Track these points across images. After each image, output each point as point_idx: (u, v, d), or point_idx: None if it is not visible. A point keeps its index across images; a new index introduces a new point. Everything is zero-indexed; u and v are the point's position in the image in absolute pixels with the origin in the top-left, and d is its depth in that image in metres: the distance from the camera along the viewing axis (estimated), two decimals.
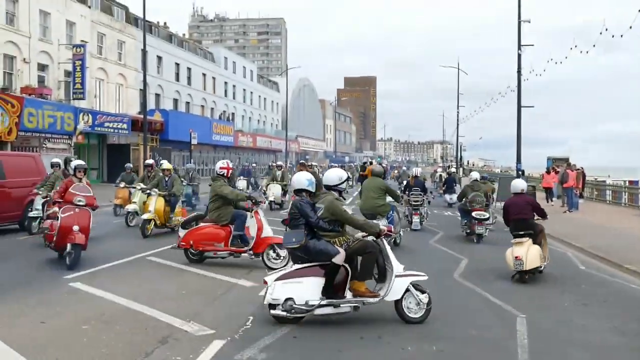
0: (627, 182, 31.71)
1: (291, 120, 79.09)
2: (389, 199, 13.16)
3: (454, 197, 23.64)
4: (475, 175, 17.18)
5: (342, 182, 7.70)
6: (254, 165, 37.69)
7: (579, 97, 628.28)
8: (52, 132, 30.87)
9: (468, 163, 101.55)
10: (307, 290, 6.91)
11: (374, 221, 7.87)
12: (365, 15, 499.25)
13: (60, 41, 34.74)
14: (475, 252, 13.35)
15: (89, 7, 38.27)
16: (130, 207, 16.51)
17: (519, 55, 26.54)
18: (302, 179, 7.46)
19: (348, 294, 7.06)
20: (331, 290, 6.95)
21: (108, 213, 18.88)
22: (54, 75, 34.60)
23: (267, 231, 10.86)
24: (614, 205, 29.48)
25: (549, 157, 50.11)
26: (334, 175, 7.79)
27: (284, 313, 6.88)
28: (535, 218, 10.62)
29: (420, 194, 17.32)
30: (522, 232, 10.28)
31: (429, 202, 18.25)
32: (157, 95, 48.32)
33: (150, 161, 18.30)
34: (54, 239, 10.39)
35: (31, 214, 14.22)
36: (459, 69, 59.22)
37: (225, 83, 64.43)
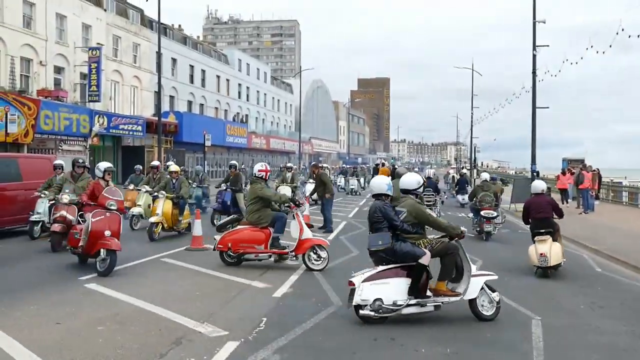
0: None
1: (304, 121, 79.22)
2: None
3: (466, 197, 24.25)
4: (485, 176, 18.18)
5: (420, 187, 7.97)
6: None
7: (595, 98, 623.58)
8: (68, 134, 31.12)
9: (482, 164, 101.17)
10: (394, 290, 7.13)
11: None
12: (380, 16, 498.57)
13: (76, 44, 35.04)
14: (489, 254, 13.27)
15: (105, 10, 38.56)
16: (134, 210, 16.13)
17: (534, 56, 26.38)
18: (382, 184, 7.74)
19: (428, 294, 7.31)
20: (417, 290, 7.16)
21: None
22: (69, 77, 34.90)
23: (307, 233, 10.94)
24: (630, 207, 29.20)
25: (564, 158, 49.88)
26: (413, 179, 8.03)
27: (372, 313, 7.05)
28: (553, 217, 11.10)
29: (433, 194, 17.72)
30: (543, 230, 10.82)
31: (442, 202, 18.48)
32: (172, 97, 48.55)
33: (155, 163, 17.92)
34: (81, 243, 10.12)
35: (33, 218, 13.70)
36: (473, 70, 58.92)
37: (239, 85, 64.61)
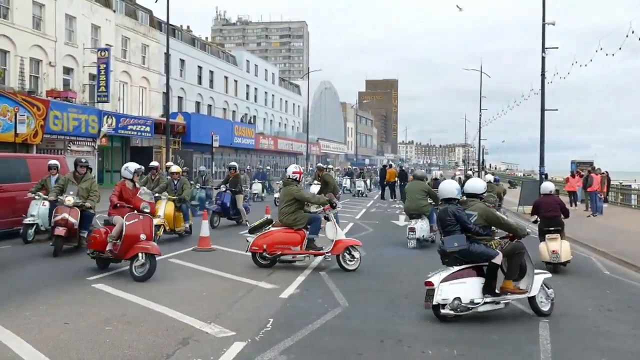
0: None
1: (312, 123, 79.25)
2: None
3: None
4: (489, 177, 19.58)
5: (486, 191, 8.53)
6: (268, 168, 37.62)
7: (604, 100, 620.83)
8: (77, 135, 31.27)
9: (490, 166, 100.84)
10: (471, 289, 7.45)
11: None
12: (388, 17, 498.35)
13: (85, 45, 35.22)
14: None
15: (114, 11, 38.74)
16: None
17: (543, 58, 26.27)
18: (452, 188, 8.08)
19: (497, 291, 7.67)
20: (491, 289, 7.52)
21: None
22: (78, 78, 35.07)
23: (341, 234, 11.10)
24: (639, 210, 29.03)
25: (572, 160, 49.68)
26: (480, 184, 8.60)
27: (452, 312, 7.31)
28: (561, 216, 11.82)
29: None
30: (552, 228, 11.55)
31: (436, 203, 18.86)
32: (180, 98, 48.69)
33: (154, 163, 16.91)
34: (109, 247, 9.77)
35: (26, 221, 13.07)
36: (481, 71, 58.82)
37: (247, 86, 64.73)
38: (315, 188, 22.61)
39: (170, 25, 35.47)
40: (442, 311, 7.31)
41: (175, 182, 15.02)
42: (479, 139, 65.56)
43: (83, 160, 12.89)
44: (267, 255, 10.80)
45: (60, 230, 11.64)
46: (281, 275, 10.31)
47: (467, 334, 6.97)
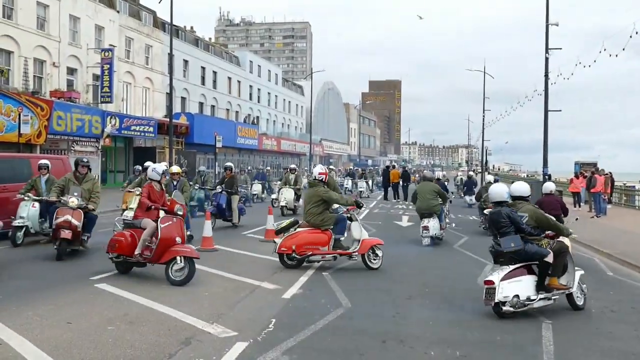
0: None
1: (315, 123, 79.29)
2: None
3: (473, 198, 26.38)
4: (489, 178, 20.62)
5: (530, 194, 8.91)
6: (268, 169, 37.50)
7: (608, 101, 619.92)
8: (80, 135, 31.35)
9: (494, 167, 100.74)
10: (526, 287, 7.82)
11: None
12: (391, 18, 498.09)
13: (89, 45, 35.30)
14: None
15: (118, 11, 38.82)
16: (128, 215, 14.50)
17: (547, 59, 26.28)
18: (502, 192, 8.43)
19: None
20: (543, 286, 7.94)
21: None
22: (82, 79, 35.14)
23: (364, 234, 11.25)
24: None
25: (576, 161, 49.60)
26: (525, 188, 8.98)
27: (512, 309, 7.63)
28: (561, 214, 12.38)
29: None
30: None
31: (450, 202, 19.33)
32: (183, 99, 48.77)
33: (149, 163, 16.43)
34: (138, 251, 9.49)
35: (16, 223, 12.53)
36: (485, 72, 58.78)
37: (250, 86, 64.79)
38: None
39: (174, 25, 35.52)
40: (504, 308, 7.61)
41: (175, 183, 14.58)
42: (482, 140, 65.58)
43: (85, 159, 12.52)
44: (297, 256, 10.82)
45: (66, 233, 11.17)
46: (284, 275, 10.31)
47: (470, 335, 6.96)
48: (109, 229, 14.31)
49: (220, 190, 17.00)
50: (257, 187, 29.34)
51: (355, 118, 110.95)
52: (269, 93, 70.87)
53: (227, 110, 57.92)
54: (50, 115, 28.06)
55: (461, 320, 7.62)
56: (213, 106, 54.66)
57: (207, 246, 12.75)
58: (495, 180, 19.74)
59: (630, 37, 22.52)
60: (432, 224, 14.79)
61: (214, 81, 55.01)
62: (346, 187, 37.69)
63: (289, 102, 79.70)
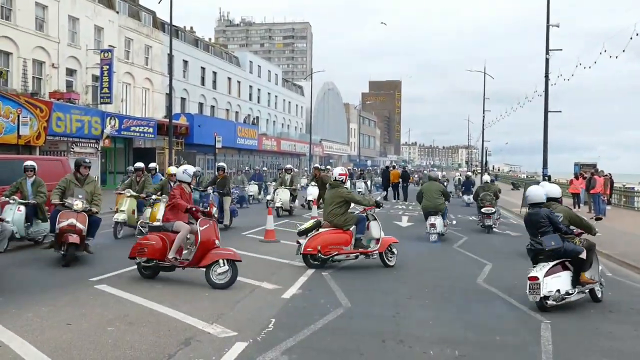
0: None
1: (315, 124, 79.32)
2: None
3: (471, 197, 27.19)
4: (486, 178, 21.56)
5: (561, 196, 9.44)
6: (264, 169, 37.38)
7: (608, 102, 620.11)
8: (80, 136, 31.35)
9: (493, 168, 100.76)
10: (564, 282, 8.33)
11: None
12: (391, 18, 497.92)
13: (88, 46, 35.30)
14: (499, 258, 13.24)
15: (117, 12, 38.82)
16: (119, 217, 14.40)
17: (547, 60, 26.30)
18: (541, 194, 8.92)
19: None
20: (578, 281, 8.48)
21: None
22: (81, 79, 35.14)
23: (382, 233, 11.62)
24: None
25: (576, 162, 49.60)
26: (557, 190, 9.64)
27: (554, 302, 8.11)
28: None
29: None
30: None
31: (448, 201, 19.61)
32: (183, 99, 48.77)
33: (139, 164, 15.97)
34: (172, 255, 9.31)
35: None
36: (485, 72, 58.82)
37: (250, 87, 64.79)
38: (312, 189, 22.35)
39: (174, 26, 35.56)
40: (549, 302, 8.07)
41: (172, 184, 13.76)
42: (482, 141, 65.63)
43: (87, 160, 12.02)
44: (322, 256, 10.94)
45: (74, 238, 10.66)
46: (283, 275, 10.32)
47: (469, 335, 6.97)
48: (107, 230, 14.37)
49: (212, 191, 16.59)
50: (253, 188, 28.86)
51: (355, 118, 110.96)
52: (268, 93, 70.89)
53: (227, 110, 57.92)
54: (50, 117, 28.06)
55: (461, 320, 7.64)
56: (213, 106, 54.66)
57: None
58: (492, 181, 20.76)
59: (631, 38, 22.56)
60: (439, 221, 15.63)
61: (214, 81, 55.01)
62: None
63: (289, 102, 79.71)
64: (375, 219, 11.61)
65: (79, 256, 11.35)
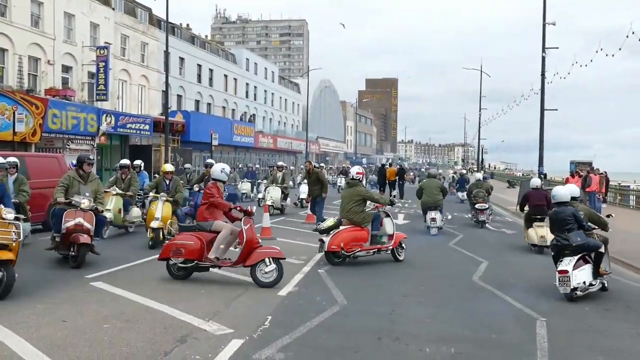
0: None
1: (312, 121, 79.23)
2: None
3: (465, 194, 28.08)
4: (478, 175, 23.07)
5: (580, 196, 10.14)
6: (257, 167, 37.18)
7: (604, 101, 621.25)
8: (76, 133, 31.22)
9: (489, 166, 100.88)
10: (588, 274, 8.95)
11: None
12: (391, 18, 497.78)
13: (84, 43, 35.15)
14: (494, 255, 13.28)
15: (113, 9, 38.68)
16: (106, 215, 13.26)
17: (543, 58, 26.30)
18: (567, 194, 9.57)
19: None
20: (598, 273, 9.15)
21: None
22: (77, 76, 35.03)
23: (394, 229, 12.11)
24: (637, 211, 29.06)
25: (572, 161, 49.70)
26: (577, 189, 10.30)
27: (581, 293, 8.78)
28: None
29: None
30: (539, 217, 14.07)
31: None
32: (179, 97, 48.65)
33: (125, 161, 15.43)
34: (215, 254, 9.26)
35: None
36: (481, 71, 58.90)
37: (247, 84, 64.67)
38: (306, 188, 21.85)
39: (170, 23, 35.47)
40: (578, 293, 8.73)
41: (168, 182, 13.84)
42: (479, 138, 65.72)
43: (90, 157, 11.45)
44: (345, 253, 11.22)
45: (85, 238, 10.18)
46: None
47: (465, 333, 6.99)
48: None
49: (198, 189, 15.94)
50: (246, 186, 28.43)
51: (351, 116, 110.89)
52: (265, 91, 70.78)
53: (224, 108, 57.82)
54: (45, 114, 27.94)
55: (457, 318, 7.66)
56: (209, 104, 54.55)
57: None
58: (484, 178, 22.17)
59: (627, 37, 22.61)
60: (438, 216, 16.89)
61: (210, 79, 54.89)
62: (340, 186, 37.58)
63: (286, 99, 79.60)
64: (388, 216, 12.15)
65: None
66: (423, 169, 51.20)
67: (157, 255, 11.51)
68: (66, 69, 34.26)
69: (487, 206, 19.66)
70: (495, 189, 26.17)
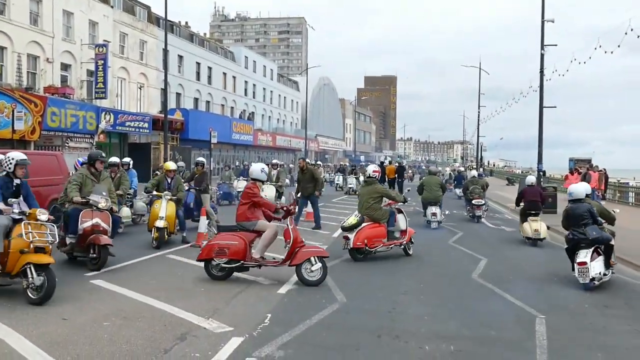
0: None
1: (311, 119, 79.14)
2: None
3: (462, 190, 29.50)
4: (473, 173, 24.01)
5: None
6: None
7: (603, 98, 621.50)
8: (75, 131, 31.22)
9: (489, 163, 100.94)
10: (601, 265, 9.56)
11: None
12: (390, 17, 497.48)
13: (83, 41, 35.14)
14: (494, 253, 13.28)
15: (112, 7, 38.65)
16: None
17: (542, 55, 26.25)
18: (583, 191, 10.31)
19: None
20: (609, 264, 9.81)
21: None
22: (76, 74, 35.00)
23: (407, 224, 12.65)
24: (636, 207, 29.05)
25: (570, 158, 49.73)
26: (589, 187, 10.86)
27: (597, 282, 9.40)
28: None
29: None
30: (534, 212, 15.02)
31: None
32: (178, 95, 48.64)
33: (114, 159, 15.17)
34: (258, 254, 9.26)
35: None
36: (480, 68, 58.83)
37: (246, 82, 64.64)
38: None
39: (169, 21, 35.41)
40: (595, 282, 9.36)
41: (170, 181, 13.50)
42: (478, 136, 65.65)
43: (102, 154, 11.13)
44: (368, 249, 11.56)
45: (106, 239, 9.80)
46: (279, 271, 10.30)
47: (464, 330, 7.00)
48: None
49: (187, 188, 15.23)
50: (241, 184, 28.16)
51: (350, 114, 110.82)
52: (264, 89, 70.74)
53: (222, 105, 57.79)
54: (44, 112, 27.93)
55: (456, 315, 7.66)
56: (208, 102, 54.53)
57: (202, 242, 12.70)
58: (479, 176, 23.36)
59: (626, 34, 22.60)
60: (438, 211, 17.83)
61: (209, 77, 54.87)
62: (337, 184, 37.45)
63: (284, 97, 79.57)
64: (401, 212, 12.62)
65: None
66: (423, 167, 51.22)
67: (157, 253, 11.64)
68: (65, 67, 34.24)
69: (483, 202, 20.41)
70: (494, 187, 26.26)
